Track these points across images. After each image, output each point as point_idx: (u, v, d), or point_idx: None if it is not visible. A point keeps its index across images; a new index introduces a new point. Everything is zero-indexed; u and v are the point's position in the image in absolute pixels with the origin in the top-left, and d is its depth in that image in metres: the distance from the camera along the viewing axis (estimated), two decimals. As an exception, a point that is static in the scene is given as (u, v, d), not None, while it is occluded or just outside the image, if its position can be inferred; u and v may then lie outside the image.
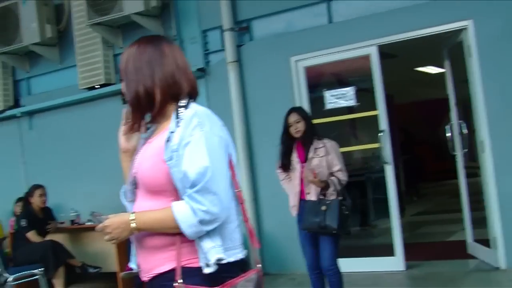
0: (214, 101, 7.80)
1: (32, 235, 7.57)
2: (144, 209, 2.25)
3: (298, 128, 5.04)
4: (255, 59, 7.58)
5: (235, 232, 2.26)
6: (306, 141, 5.07)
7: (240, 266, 2.26)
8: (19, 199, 8.83)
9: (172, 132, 2.20)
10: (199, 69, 7.78)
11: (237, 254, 2.25)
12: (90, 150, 8.87)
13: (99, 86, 8.59)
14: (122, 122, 2.44)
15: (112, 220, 2.20)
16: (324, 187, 4.93)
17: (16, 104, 9.84)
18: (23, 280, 7.51)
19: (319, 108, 7.15)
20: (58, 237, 7.91)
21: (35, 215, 7.79)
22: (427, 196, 14.32)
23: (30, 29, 8.73)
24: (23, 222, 7.62)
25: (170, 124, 2.24)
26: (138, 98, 2.30)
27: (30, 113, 9.66)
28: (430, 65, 11.78)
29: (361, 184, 9.48)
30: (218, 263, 2.14)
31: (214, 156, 2.15)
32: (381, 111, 6.83)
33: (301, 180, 5.07)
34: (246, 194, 7.40)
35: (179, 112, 2.24)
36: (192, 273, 2.15)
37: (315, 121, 5.53)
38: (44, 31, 8.77)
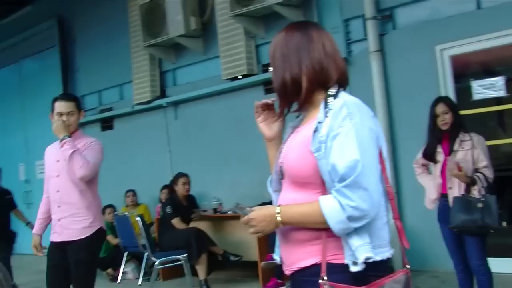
0: (356, 92, 7.56)
1: (176, 222, 7.82)
2: (289, 200, 2.19)
3: (445, 119, 4.80)
4: (398, 48, 7.37)
5: (383, 229, 2.15)
6: (452, 133, 4.82)
7: (387, 266, 2.15)
8: (165, 187, 9.16)
9: (320, 122, 2.12)
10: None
11: (384, 253, 2.14)
12: (233, 139, 9.03)
13: (241, 77, 8.70)
14: (256, 111, 2.41)
15: (258, 213, 2.15)
16: (470, 182, 4.66)
17: (163, 95, 10.21)
18: (168, 265, 7.81)
19: (465, 99, 6.84)
20: (201, 225, 8.12)
21: (180, 202, 8.04)
22: None
23: (176, 21, 9.00)
24: (168, 209, 7.88)
25: (318, 114, 2.15)
26: (284, 85, 2.24)
27: (176, 103, 9.98)
28: None
29: (510, 180, 8.99)
30: (366, 261, 2.04)
31: (364, 149, 2.04)
32: (534, 102, 6.42)
33: (443, 173, 4.84)
34: (388, 187, 7.22)
35: (328, 101, 2.15)
36: (337, 270, 2.07)
37: (461, 112, 5.25)
38: (188, 23, 9.01)
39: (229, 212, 8.08)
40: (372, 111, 6.70)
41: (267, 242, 7.27)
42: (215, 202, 8.38)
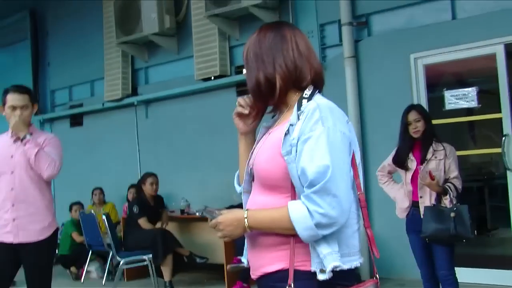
0: (329, 96, 7.51)
1: (143, 222, 7.72)
2: (258, 203, 2.15)
3: (417, 127, 4.79)
4: (372, 55, 7.37)
5: (353, 237, 2.10)
6: (425, 142, 4.81)
7: (355, 274, 2.10)
8: (132, 186, 9.06)
9: (292, 125, 2.07)
10: (315, 64, 7.64)
11: (353, 262, 2.08)
12: (203, 140, 8.96)
13: (214, 78, 8.64)
14: (237, 107, 2.37)
15: (226, 217, 2.10)
16: (441, 192, 4.65)
17: (134, 93, 10.11)
18: (133, 265, 7.71)
19: (437, 108, 6.85)
20: (168, 226, 8.03)
21: (147, 202, 7.94)
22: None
23: (150, 19, 8.92)
24: (135, 209, 7.79)
25: (291, 116, 2.10)
26: (259, 85, 2.20)
27: (147, 102, 9.89)
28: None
29: (478, 190, 9.07)
30: (333, 270, 1.99)
31: (335, 154, 1.98)
32: (505, 114, 6.45)
33: (414, 182, 4.82)
34: (357, 194, 7.21)
35: (301, 103, 2.10)
36: (303, 277, 2.02)
37: (433, 121, 5.24)
38: (163, 21, 8.94)
39: (197, 214, 7.97)
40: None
41: (233, 245, 7.20)
42: (183, 203, 8.29)
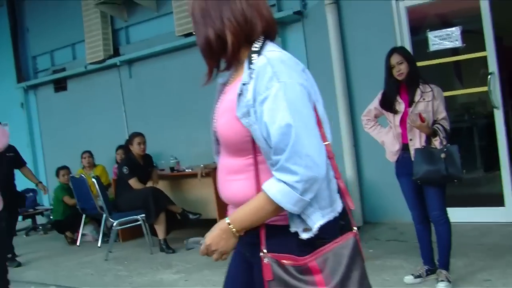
0: (312, 45, 7.62)
1: (133, 182, 7.70)
2: (224, 166, 2.08)
3: (401, 70, 4.73)
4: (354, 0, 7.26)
5: (328, 189, 1.98)
6: (411, 84, 4.76)
7: (333, 227, 1.99)
8: (120, 147, 9.04)
9: (244, 84, 1.94)
10: (296, 12, 7.58)
11: (330, 214, 1.98)
12: (188, 96, 8.89)
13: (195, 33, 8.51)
14: None
15: (212, 236, 2.01)
16: (431, 134, 4.63)
17: (116, 53, 9.99)
18: (127, 226, 7.73)
19: (421, 51, 6.79)
20: (159, 184, 8.01)
21: (136, 162, 7.90)
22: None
23: (127, -23, 8.76)
24: (125, 169, 7.76)
25: (244, 74, 1.97)
26: (209, 43, 2.04)
27: (130, 62, 9.79)
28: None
29: (466, 131, 9.07)
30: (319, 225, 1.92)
31: (297, 109, 1.86)
32: (490, 52, 6.41)
33: (403, 124, 4.79)
34: (345, 141, 7.23)
35: (252, 59, 1.96)
36: (279, 232, 1.95)
37: (418, 64, 5.19)
38: (140, -21, 8.77)
39: (187, 170, 7.98)
40: (328, 64, 6.59)
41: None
42: (172, 161, 8.26)
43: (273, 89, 1.87)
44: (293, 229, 1.93)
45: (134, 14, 9.67)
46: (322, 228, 1.94)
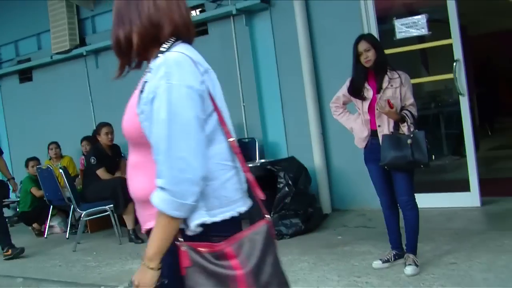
0: (279, 34, 7.62)
1: (101, 172, 7.65)
2: (129, 161, 2.14)
3: (368, 57, 4.76)
4: (321, -12, 7.28)
5: (222, 188, 2.03)
6: (378, 71, 4.79)
7: (233, 224, 2.05)
8: (84, 138, 8.97)
9: (146, 82, 2.02)
10: (263, 1, 7.56)
11: (226, 213, 2.03)
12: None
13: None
14: None
15: (136, 276, 2.01)
16: (399, 120, 4.67)
17: (82, 43, 9.88)
18: (95, 216, 7.68)
19: (388, 39, 6.84)
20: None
21: (104, 152, 7.85)
22: (503, 131, 13.79)
23: (92, -35, 8.65)
24: (93, 160, 7.70)
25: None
26: (117, 43, 2.12)
27: (96, 52, 9.69)
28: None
29: (433, 118, 9.18)
30: (203, 224, 1.97)
31: (176, 112, 1.90)
32: (455, 40, 6.48)
33: (371, 111, 4.82)
34: (313, 129, 7.26)
35: (157, 58, 2.03)
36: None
37: (385, 51, 5.20)
38: (106, -33, 8.67)
39: None
40: (296, 53, 6.60)
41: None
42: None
43: (161, 89, 1.93)
44: (180, 225, 1.96)
45: (100, 3, 9.57)
46: (219, 225, 1.99)
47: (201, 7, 8.43)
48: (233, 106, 7.99)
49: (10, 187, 8.53)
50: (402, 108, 4.74)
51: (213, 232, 1.98)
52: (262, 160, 7.36)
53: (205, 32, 8.34)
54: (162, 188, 1.89)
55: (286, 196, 6.64)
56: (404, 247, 4.92)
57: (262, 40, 7.83)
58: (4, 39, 11.26)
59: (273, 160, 7.17)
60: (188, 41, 2.14)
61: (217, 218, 1.99)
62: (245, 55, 7.96)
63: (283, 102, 7.71)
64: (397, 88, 4.73)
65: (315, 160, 7.30)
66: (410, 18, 6.72)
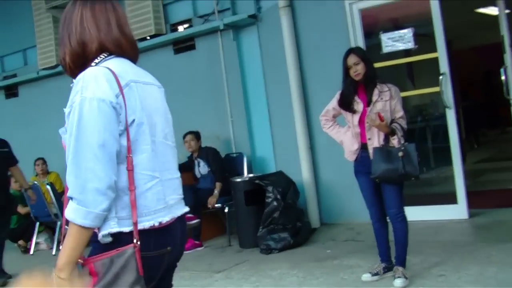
0: (267, 48, 7.65)
1: None
2: None
3: (358, 70, 4.77)
4: (308, 3, 7.31)
5: (141, 198, 2.08)
6: (368, 84, 4.81)
7: (158, 234, 2.10)
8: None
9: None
10: (251, 16, 7.59)
11: (143, 223, 2.07)
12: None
13: (149, 37, 8.47)
14: None
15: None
16: (390, 132, 4.68)
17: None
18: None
19: (375, 52, 6.88)
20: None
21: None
22: (489, 143, 13.89)
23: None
24: None
25: None
26: (61, 61, 2.24)
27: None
28: (491, 5, 11.21)
29: (419, 131, 9.23)
30: (113, 233, 2.02)
31: (85, 125, 1.98)
32: (441, 53, 6.53)
33: (362, 124, 4.83)
34: (301, 143, 7.26)
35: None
36: (94, 238, 2.04)
37: (372, 65, 5.23)
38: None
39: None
40: (283, 67, 6.60)
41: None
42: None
43: (76, 102, 2.01)
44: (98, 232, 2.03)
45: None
46: (126, 236, 2.02)
47: (189, 22, 8.44)
48: (221, 121, 8.01)
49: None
50: (392, 121, 4.76)
51: (118, 242, 2.01)
52: (251, 175, 7.35)
53: (192, 47, 8.35)
54: (70, 198, 1.95)
55: (275, 210, 6.63)
56: (393, 260, 4.92)
57: (250, 55, 7.85)
58: (-11, 55, 11.22)
59: (262, 175, 7.16)
60: (124, 55, 2.23)
61: (126, 229, 2.03)
62: (232, 69, 7.97)
63: (271, 116, 7.71)
64: (387, 101, 4.75)
65: (303, 174, 7.30)
66: (396, 32, 6.77)
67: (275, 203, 6.65)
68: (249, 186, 6.94)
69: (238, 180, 7.16)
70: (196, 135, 7.60)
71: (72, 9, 2.21)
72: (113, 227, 2.01)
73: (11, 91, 10.92)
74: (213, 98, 8.18)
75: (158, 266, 2.12)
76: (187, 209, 2.34)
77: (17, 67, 10.82)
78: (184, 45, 8.41)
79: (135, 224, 2.04)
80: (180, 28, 8.52)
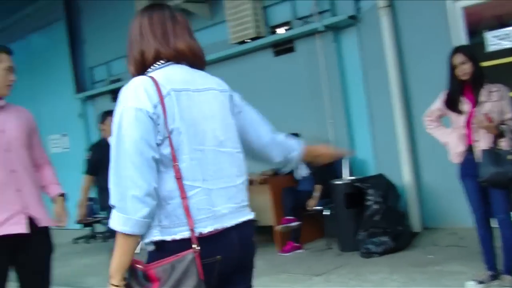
0: (366, 50, 7.56)
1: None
2: None
3: (464, 70, 4.62)
4: (408, 2, 7.16)
5: (181, 208, 2.09)
6: (475, 84, 4.65)
7: (180, 245, 2.09)
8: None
9: None
10: (350, 17, 7.53)
11: (174, 235, 2.08)
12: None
13: (249, 40, 8.55)
14: None
15: None
16: (498, 134, 4.50)
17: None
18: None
19: (479, 51, 6.64)
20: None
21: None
22: None
23: (181, -14, 8.85)
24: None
25: None
26: (128, 70, 2.35)
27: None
28: None
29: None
30: (157, 242, 2.09)
31: (124, 134, 2.05)
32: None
33: (468, 125, 4.68)
34: (403, 145, 7.13)
35: None
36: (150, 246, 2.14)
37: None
38: (195, -13, 8.86)
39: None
40: (384, 69, 6.50)
41: (281, 206, 7.22)
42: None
43: (117, 113, 2.10)
44: (145, 240, 2.12)
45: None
46: (170, 245, 2.08)
47: (288, 24, 8.46)
48: (320, 123, 7.98)
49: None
50: (501, 122, 4.57)
51: (165, 251, 2.07)
52: (351, 178, 7.28)
53: (291, 49, 8.37)
54: (113, 206, 2.02)
55: (375, 213, 6.56)
56: (500, 268, 4.74)
57: (349, 56, 7.79)
58: (97, 60, 11.72)
59: (362, 178, 7.10)
60: (182, 62, 2.30)
61: (169, 238, 2.08)
62: (332, 71, 7.92)
63: (371, 118, 7.62)
64: (497, 102, 4.58)
65: (404, 176, 7.16)
66: (502, 30, 6.53)
67: (375, 206, 6.58)
68: (349, 189, 6.89)
69: (338, 182, 7.11)
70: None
71: (134, 20, 2.33)
72: (155, 235, 2.08)
73: (117, 95, 11.25)
74: (312, 100, 8.16)
75: (206, 274, 2.11)
76: (250, 216, 2.37)
77: (122, 71, 11.19)
78: (283, 47, 8.44)
79: (192, 230, 2.08)
80: (280, 31, 8.55)
